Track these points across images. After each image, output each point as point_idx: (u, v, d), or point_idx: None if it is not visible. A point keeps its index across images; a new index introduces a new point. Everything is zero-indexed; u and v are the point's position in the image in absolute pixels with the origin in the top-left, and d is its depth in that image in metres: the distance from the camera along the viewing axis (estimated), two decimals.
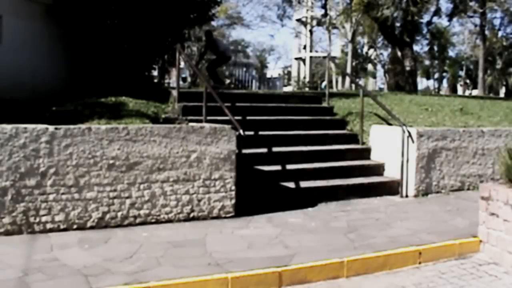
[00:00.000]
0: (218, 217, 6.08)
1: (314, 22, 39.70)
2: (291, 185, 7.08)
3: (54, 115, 7.37)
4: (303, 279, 4.49)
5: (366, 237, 5.42)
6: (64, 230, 5.33)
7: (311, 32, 43.22)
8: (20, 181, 5.15)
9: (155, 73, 15.61)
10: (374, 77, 48.86)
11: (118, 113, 7.70)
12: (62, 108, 7.81)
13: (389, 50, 32.99)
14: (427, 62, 50.83)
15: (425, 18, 23.94)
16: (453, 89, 51.44)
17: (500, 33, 38.15)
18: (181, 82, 11.89)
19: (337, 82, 40.87)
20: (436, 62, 50.04)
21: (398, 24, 20.57)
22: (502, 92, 45.37)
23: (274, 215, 6.27)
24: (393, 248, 5.06)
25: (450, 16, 26.15)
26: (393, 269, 4.89)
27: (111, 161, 5.53)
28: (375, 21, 21.32)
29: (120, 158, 5.58)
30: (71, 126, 5.46)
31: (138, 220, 5.68)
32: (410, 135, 7.68)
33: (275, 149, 7.78)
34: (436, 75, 54.87)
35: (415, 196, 7.63)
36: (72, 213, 5.38)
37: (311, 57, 44.41)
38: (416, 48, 34.85)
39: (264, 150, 7.66)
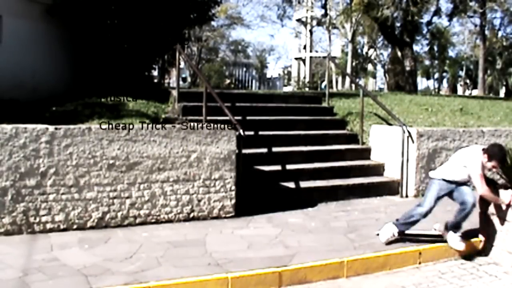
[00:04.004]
0: (218, 217, 6.08)
1: (314, 22, 39.65)
2: (291, 185, 7.09)
3: (54, 115, 7.37)
4: (303, 279, 4.49)
5: (366, 237, 5.43)
6: (64, 230, 5.33)
7: (311, 32, 43.12)
8: (20, 181, 5.15)
9: (155, 73, 15.59)
10: (374, 77, 48.90)
11: (118, 113, 7.70)
12: (62, 108, 7.82)
13: (389, 50, 32.95)
14: (427, 62, 50.84)
15: (425, 18, 23.96)
16: (453, 89, 51.46)
17: (500, 33, 38.16)
18: (181, 82, 11.91)
19: (337, 82, 40.85)
20: (436, 62, 50.06)
21: (398, 24, 20.57)
22: (502, 92, 45.35)
23: (274, 215, 6.27)
24: (393, 248, 5.07)
25: (450, 16, 26.17)
26: (393, 269, 4.89)
27: (111, 161, 5.54)
28: (375, 21, 21.33)
29: (120, 158, 5.58)
30: (71, 126, 5.46)
31: (138, 220, 5.68)
32: (410, 135, 7.68)
33: (275, 149, 7.78)
34: (436, 75, 54.94)
35: (415, 196, 7.63)
36: (72, 213, 5.38)
37: (311, 57, 44.28)
38: (416, 48, 34.94)
39: (264, 150, 7.66)
